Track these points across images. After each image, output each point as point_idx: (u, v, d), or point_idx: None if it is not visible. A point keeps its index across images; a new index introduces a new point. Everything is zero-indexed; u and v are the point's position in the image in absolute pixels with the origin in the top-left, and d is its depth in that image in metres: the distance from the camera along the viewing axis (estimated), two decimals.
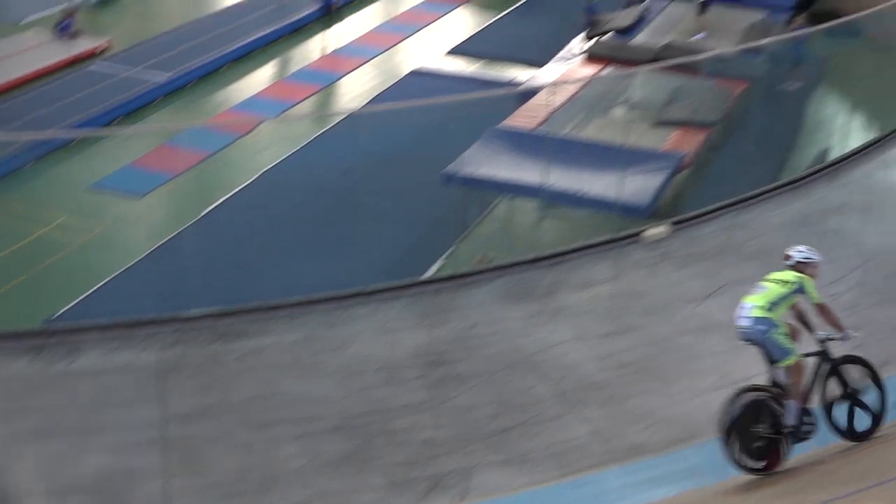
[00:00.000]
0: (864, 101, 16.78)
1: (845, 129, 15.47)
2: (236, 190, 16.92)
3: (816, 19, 19.79)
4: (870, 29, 15.44)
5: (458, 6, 27.29)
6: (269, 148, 18.47)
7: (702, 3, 22.59)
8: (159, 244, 14.93)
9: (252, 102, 20.94)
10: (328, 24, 24.40)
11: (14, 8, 23.98)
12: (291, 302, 10.76)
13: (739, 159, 14.00)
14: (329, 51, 23.94)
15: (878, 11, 15.53)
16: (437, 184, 14.80)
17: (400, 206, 15.91)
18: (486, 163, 15.20)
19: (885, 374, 9.10)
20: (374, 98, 20.93)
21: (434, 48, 24.10)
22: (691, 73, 18.02)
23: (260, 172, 17.45)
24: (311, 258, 14.43)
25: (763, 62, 15.15)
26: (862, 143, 14.60)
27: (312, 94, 21.50)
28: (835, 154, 14.68)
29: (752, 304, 7.56)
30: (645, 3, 24.19)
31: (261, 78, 22.43)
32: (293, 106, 20.84)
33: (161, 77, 21.20)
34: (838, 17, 18.08)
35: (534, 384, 9.49)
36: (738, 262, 11.44)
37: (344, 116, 19.17)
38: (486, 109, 16.91)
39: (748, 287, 10.67)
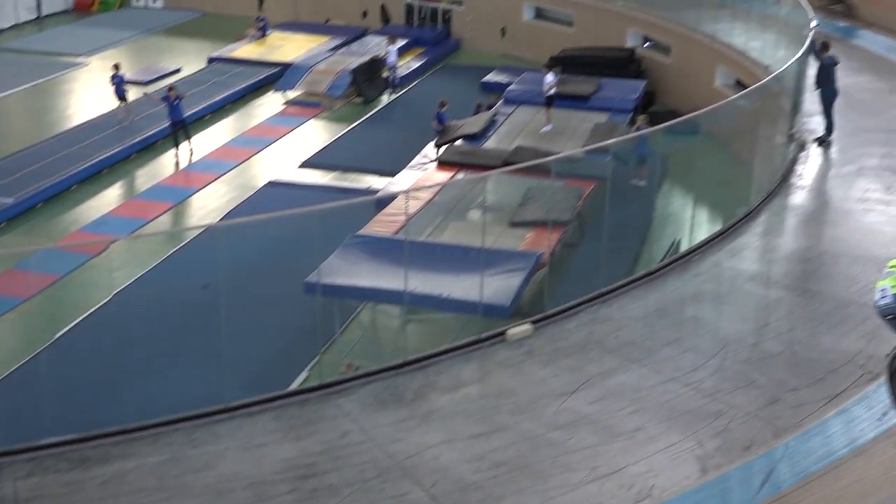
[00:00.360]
0: (706, 194, 17.44)
1: (693, 222, 16.02)
2: (91, 311, 16.41)
3: (656, 119, 20.65)
4: (706, 126, 16.13)
5: (310, 119, 27.48)
6: (123, 267, 18.03)
7: (548, 97, 23.40)
8: (9, 372, 14.31)
9: (103, 222, 20.48)
10: (179, 141, 24.17)
11: None
12: (154, 422, 10.39)
13: (595, 255, 14.29)
14: (181, 167, 23.73)
15: (713, 110, 16.26)
16: (298, 294, 14.64)
17: (262, 318, 15.67)
18: (346, 271, 15.15)
19: (749, 457, 9.36)
20: (230, 211, 20.75)
21: (289, 160, 24.14)
22: (542, 174, 18.44)
23: (115, 292, 16.97)
24: (173, 376, 14.03)
25: (610, 161, 15.61)
26: (709, 234, 15.15)
27: (166, 211, 21.18)
28: (685, 246, 15.17)
29: (890, 285, 8.68)
30: (493, 109, 24.86)
31: (111, 197, 22.04)
32: (146, 223, 20.47)
33: (5, 201, 20.60)
34: (676, 116, 18.89)
35: (408, 490, 9.33)
36: (601, 355, 11.63)
37: (200, 231, 18.89)
38: (344, 218, 16.92)
39: (613, 380, 10.93)
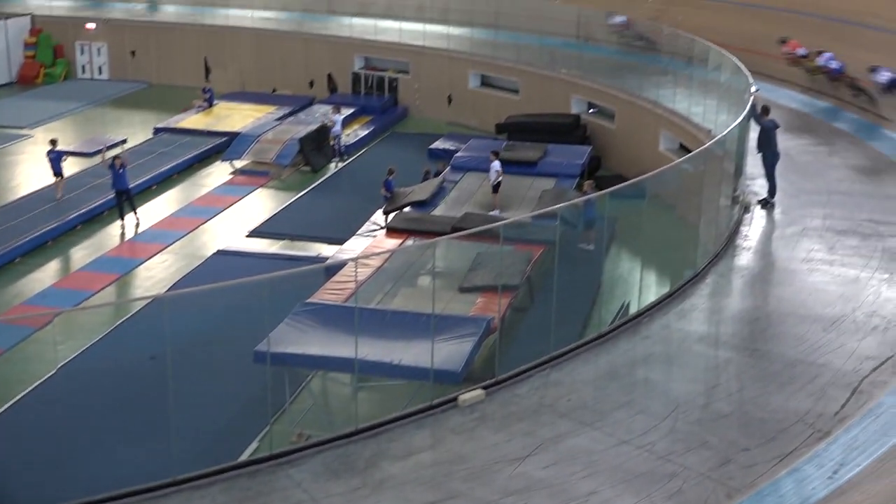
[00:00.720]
0: (654, 257, 17.61)
1: (641, 285, 16.13)
2: (35, 385, 16.10)
3: (603, 183, 20.87)
4: (652, 190, 16.30)
5: (258, 188, 27.45)
6: (68, 340, 17.77)
7: (494, 185, 23.50)
8: None
9: (47, 294, 20.22)
10: (125, 211, 24.01)
11: None
12: (100, 498, 10.17)
13: (545, 319, 14.30)
14: (127, 238, 23.53)
15: (659, 174, 16.48)
16: (248, 363, 14.49)
17: (211, 389, 15.50)
18: (296, 339, 15.03)
19: None
20: (178, 281, 20.58)
21: (237, 229, 24.05)
22: (491, 240, 18.53)
23: (60, 365, 16.68)
24: (121, 449, 13.79)
25: (558, 226, 15.69)
26: (657, 296, 15.26)
27: (112, 283, 20.95)
28: (634, 308, 15.25)
29: None
30: (441, 176, 25.00)
31: (56, 269, 21.79)
32: (92, 295, 20.22)
33: None
34: (623, 180, 19.12)
35: None
36: (554, 419, 11.60)
37: (147, 302, 18.69)
38: (294, 286, 16.84)
39: (566, 444, 10.90)
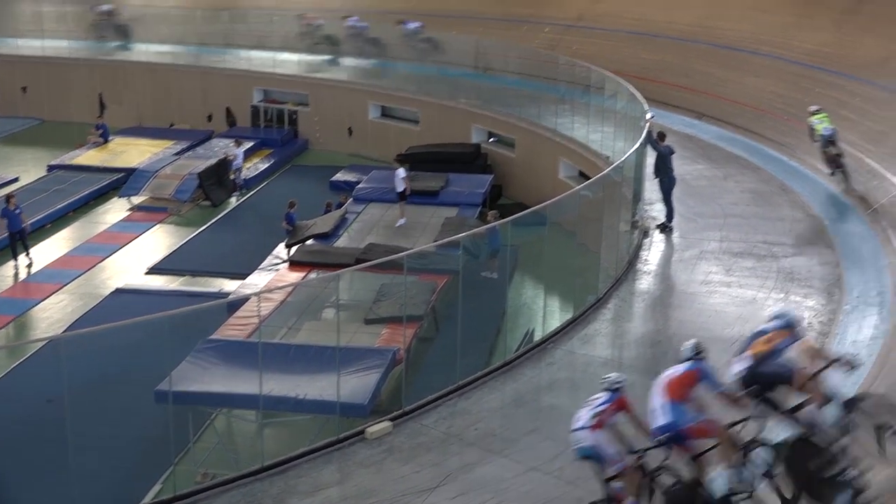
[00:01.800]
0: (556, 283, 17.78)
1: (545, 311, 16.27)
2: None
3: (505, 211, 21.04)
4: (553, 217, 16.50)
5: (157, 224, 27.01)
6: None
7: (400, 193, 23.67)
8: None
9: None
10: (18, 252, 23.36)
11: None
12: None
13: (451, 349, 14.34)
14: (21, 278, 22.91)
15: (559, 201, 16.70)
16: (150, 403, 14.21)
17: (112, 430, 15.13)
18: (199, 377, 14.80)
19: None
20: (76, 321, 20.08)
21: (136, 267, 23.60)
22: (394, 270, 18.53)
23: None
24: (19, 496, 13.37)
25: (461, 255, 15.77)
26: (561, 322, 15.42)
27: (6, 325, 20.39)
28: (539, 335, 15.38)
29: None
30: (343, 208, 24.93)
31: None
32: None
33: None
34: (524, 208, 19.29)
35: None
36: (462, 448, 11.62)
37: (43, 344, 18.21)
38: (195, 323, 16.59)
39: (475, 473, 10.90)
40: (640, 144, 18.58)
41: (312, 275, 20.32)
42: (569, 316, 15.66)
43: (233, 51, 38.29)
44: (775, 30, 30.07)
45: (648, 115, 19.98)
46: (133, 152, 32.24)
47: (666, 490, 9.33)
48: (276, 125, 35.38)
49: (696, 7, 33.50)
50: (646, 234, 18.95)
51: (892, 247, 17.64)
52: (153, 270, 23.39)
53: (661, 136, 19.42)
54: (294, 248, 22.33)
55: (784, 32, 29.87)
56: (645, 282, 17.02)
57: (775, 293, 15.94)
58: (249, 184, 30.31)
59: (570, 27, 35.60)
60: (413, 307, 17.45)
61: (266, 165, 31.98)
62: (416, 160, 28.25)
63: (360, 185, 26.72)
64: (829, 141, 20.98)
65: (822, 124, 21.20)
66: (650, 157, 19.44)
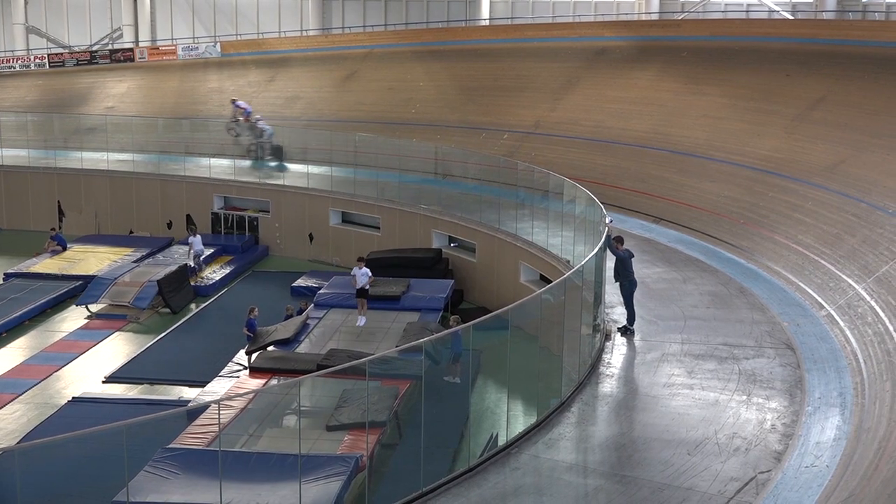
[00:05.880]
0: (520, 387, 17.71)
1: (508, 416, 16.18)
2: None
3: (467, 316, 21.07)
4: (515, 321, 16.50)
5: (115, 331, 26.73)
6: None
7: (360, 290, 23.77)
8: None
9: None
10: None
11: None
12: None
13: (414, 454, 14.19)
14: None
15: (521, 305, 16.74)
16: None
17: None
18: (157, 487, 14.52)
19: None
20: (30, 432, 19.67)
21: (93, 375, 23.26)
22: (357, 376, 18.41)
23: None
24: None
25: (423, 360, 15.71)
26: (525, 426, 15.32)
27: None
28: (503, 439, 15.26)
29: None
30: (304, 314, 24.85)
31: None
32: None
33: None
34: (486, 312, 19.33)
35: None
36: None
37: None
38: (154, 432, 16.34)
39: None
40: (600, 248, 18.77)
41: (273, 381, 20.14)
42: (532, 420, 15.58)
43: (193, 158, 38.50)
44: (729, 136, 30.80)
45: (607, 220, 20.24)
46: (92, 260, 32.10)
47: None
48: (237, 232, 35.42)
49: (651, 115, 34.32)
50: (608, 337, 19.02)
51: (851, 347, 17.82)
52: (111, 379, 23.05)
53: (620, 240, 19.64)
54: (255, 355, 22.16)
55: (738, 139, 30.62)
56: (608, 385, 17.02)
57: (738, 395, 15.99)
58: (209, 290, 30.19)
59: (529, 134, 36.23)
60: (375, 413, 17.28)
61: (227, 272, 31.90)
62: (377, 265, 28.30)
63: (321, 291, 26.70)
64: None
65: None
66: (610, 261, 19.62)
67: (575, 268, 19.07)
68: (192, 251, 31.37)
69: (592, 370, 17.48)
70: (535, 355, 18.93)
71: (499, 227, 27.92)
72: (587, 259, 18.51)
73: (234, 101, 40.23)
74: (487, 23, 46.88)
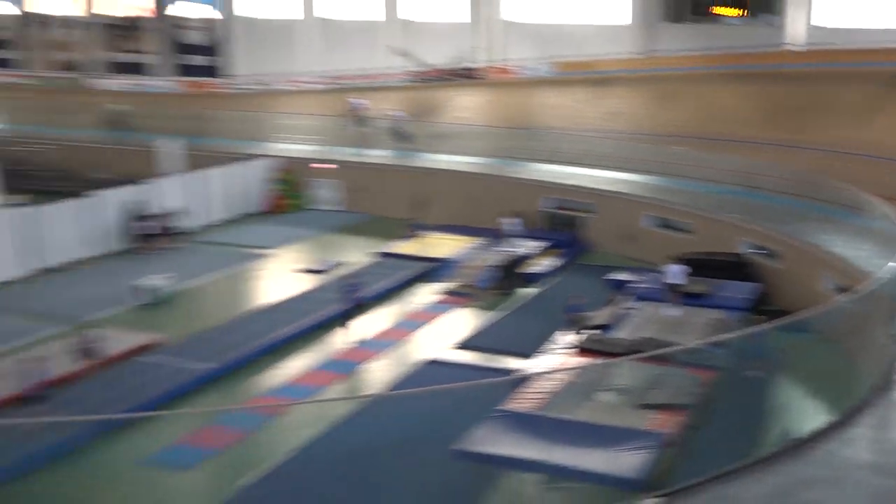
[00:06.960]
0: (817, 386, 16.99)
1: (806, 412, 15.55)
2: (272, 467, 16.73)
3: (770, 318, 20.34)
4: (817, 325, 15.83)
5: (459, 307, 27.88)
6: (301, 428, 18.44)
7: (674, 285, 23.40)
8: None
9: (286, 389, 21.07)
10: (350, 321, 24.76)
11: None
12: None
13: (715, 438, 13.99)
14: (351, 344, 24.21)
15: (822, 311, 16.00)
16: (447, 462, 14.66)
17: (414, 482, 15.69)
18: (491, 441, 15.18)
19: None
20: (395, 384, 21.02)
21: (439, 342, 24.42)
22: (666, 363, 18.35)
23: (290, 453, 17.27)
24: None
25: (727, 354, 15.42)
26: (821, 424, 14.65)
27: (336, 380, 21.64)
28: (799, 434, 14.66)
29: None
30: (622, 303, 24.89)
31: (292, 367, 22.61)
32: (321, 390, 20.92)
33: (206, 366, 21.48)
34: (788, 314, 18.59)
35: None
36: None
37: (368, 402, 19.17)
38: (489, 394, 17.04)
39: None
40: None
41: (593, 360, 20.35)
42: (829, 419, 14.86)
43: (526, 164, 39.42)
44: None
45: None
46: (443, 245, 33.62)
47: None
48: (566, 229, 35.81)
49: None
50: None
51: None
52: (462, 345, 24.09)
53: None
54: (578, 335, 22.41)
55: None
56: None
57: None
58: (538, 278, 30.76)
59: (833, 153, 34.25)
60: (682, 397, 17.16)
61: (556, 263, 32.36)
62: (689, 265, 27.81)
63: (638, 284, 26.65)
64: None
65: None
66: None
67: (880, 279, 17.94)
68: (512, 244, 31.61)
69: (889, 378, 16.40)
70: (834, 358, 18.07)
71: (802, 237, 26.68)
72: (891, 272, 17.36)
73: (349, 100, 43.63)
74: (794, 48, 44.44)
